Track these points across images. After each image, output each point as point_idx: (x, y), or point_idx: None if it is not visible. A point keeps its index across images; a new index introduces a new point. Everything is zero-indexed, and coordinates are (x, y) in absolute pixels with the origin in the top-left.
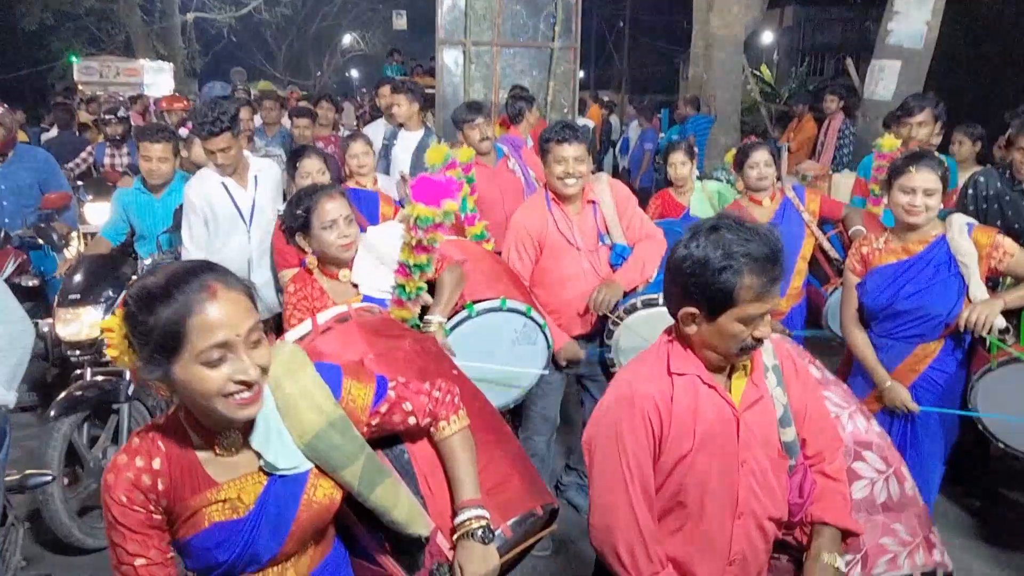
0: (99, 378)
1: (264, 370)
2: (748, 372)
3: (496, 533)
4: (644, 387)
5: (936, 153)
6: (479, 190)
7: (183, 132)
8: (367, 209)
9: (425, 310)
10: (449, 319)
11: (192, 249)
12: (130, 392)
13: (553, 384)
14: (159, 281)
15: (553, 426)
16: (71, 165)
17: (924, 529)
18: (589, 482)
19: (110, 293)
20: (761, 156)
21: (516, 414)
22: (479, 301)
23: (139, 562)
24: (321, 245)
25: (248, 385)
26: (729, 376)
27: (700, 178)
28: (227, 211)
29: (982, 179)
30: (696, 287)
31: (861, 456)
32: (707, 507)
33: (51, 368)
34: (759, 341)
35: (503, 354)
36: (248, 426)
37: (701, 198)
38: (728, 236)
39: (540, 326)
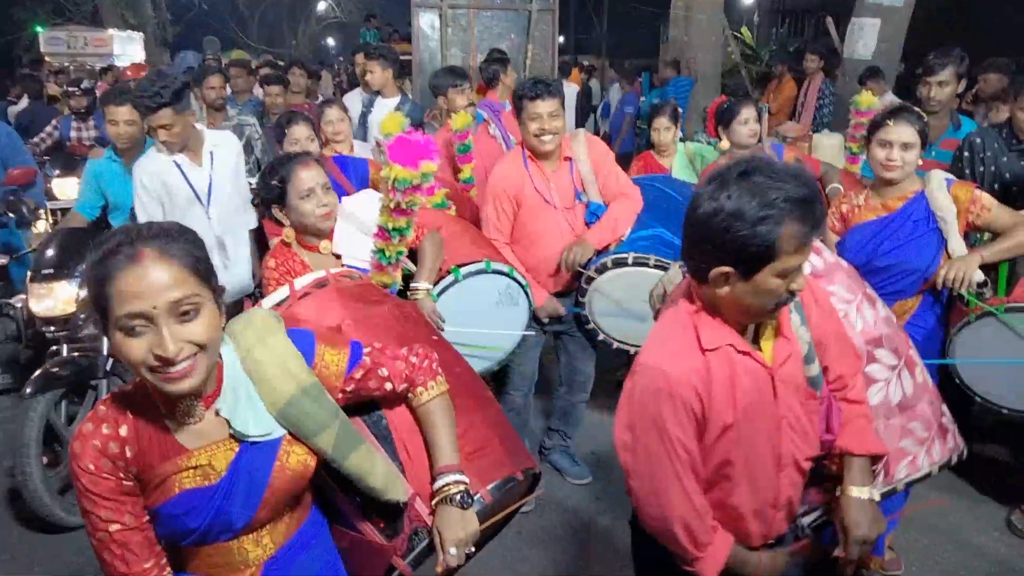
0: (75, 354)
1: (199, 345)
2: (777, 327)
3: (475, 498)
4: (680, 374)
5: (957, 114)
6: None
7: None
8: (357, 176)
9: (407, 278)
10: (435, 285)
11: None
12: (108, 367)
13: (531, 341)
14: (104, 243)
15: (531, 382)
16: (36, 140)
17: (937, 416)
18: (631, 475)
19: (84, 267)
20: (750, 112)
21: (496, 376)
22: (463, 265)
23: (113, 528)
24: (299, 216)
25: (168, 361)
26: (756, 332)
27: (681, 140)
28: (182, 191)
29: (979, 140)
30: (731, 244)
31: (873, 357)
32: (753, 468)
33: (25, 350)
34: (793, 294)
35: (487, 316)
36: (213, 394)
37: (683, 160)
38: (762, 180)
39: (523, 286)
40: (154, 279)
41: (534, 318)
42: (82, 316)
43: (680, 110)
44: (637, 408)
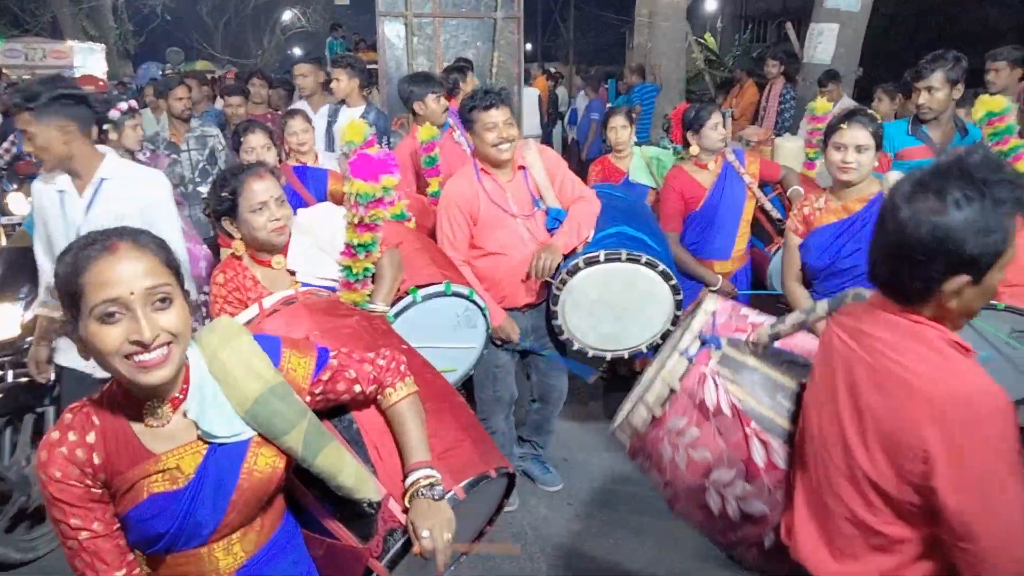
0: (21, 380)
1: (173, 334)
2: None
3: (449, 495)
4: (999, 390)
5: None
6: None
7: (114, 114)
8: (315, 187)
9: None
10: (392, 305)
11: (42, 258)
12: (55, 393)
13: (504, 366)
14: (76, 242)
15: (509, 404)
16: None
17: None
18: (981, 537)
19: (30, 288)
20: (718, 117)
21: (471, 396)
22: (422, 286)
23: (83, 536)
24: (250, 230)
25: (144, 346)
26: None
27: (638, 144)
28: (58, 225)
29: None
30: (971, 251)
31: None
32: None
33: None
34: None
35: (443, 338)
36: (179, 396)
37: (640, 163)
38: (984, 178)
39: (481, 309)
40: (129, 267)
41: (493, 340)
42: (27, 340)
43: (637, 114)
44: (977, 444)
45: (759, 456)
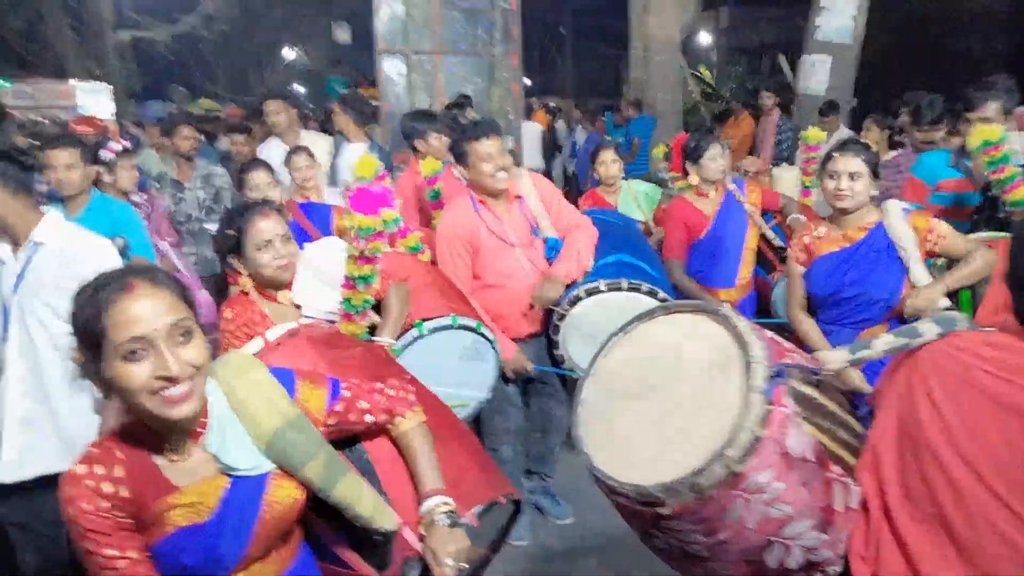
0: None
1: (196, 367)
2: None
3: (462, 520)
4: None
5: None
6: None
7: (107, 155)
8: (320, 222)
9: (373, 329)
10: (398, 339)
11: None
12: None
13: (511, 398)
14: (90, 283)
15: (516, 435)
16: None
17: None
18: None
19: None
20: (717, 148)
21: (479, 432)
22: (428, 319)
23: (121, 565)
24: (256, 267)
25: (171, 380)
26: None
27: (626, 178)
28: None
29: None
30: None
31: None
32: None
33: None
34: None
35: (452, 372)
36: (199, 430)
37: (628, 198)
38: None
39: (490, 342)
40: (150, 304)
41: (502, 375)
42: None
43: (619, 145)
44: None
45: (839, 502)
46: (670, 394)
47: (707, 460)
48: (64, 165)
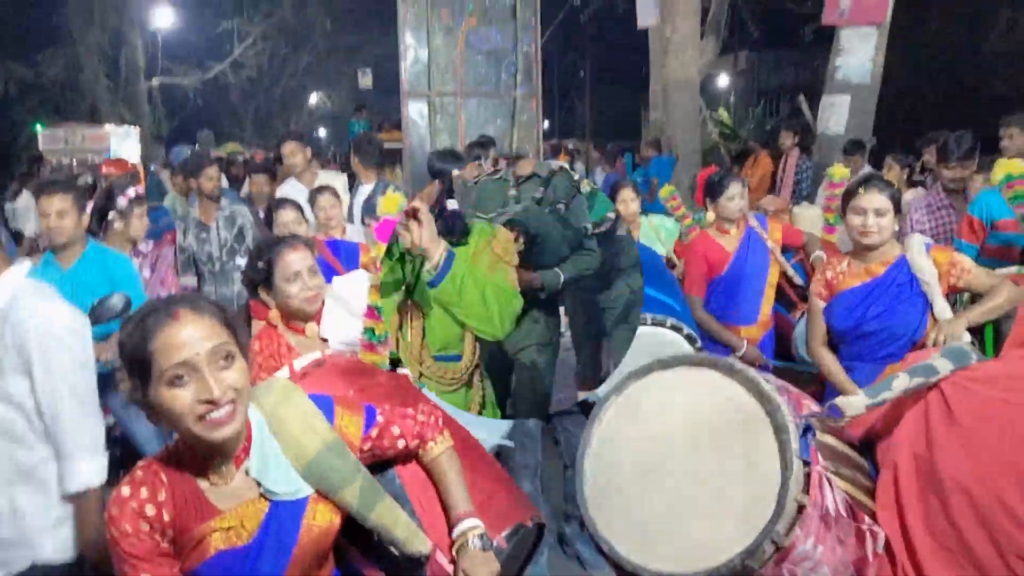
0: None
1: (237, 390)
2: None
3: (493, 544)
4: None
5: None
6: None
7: (122, 202)
8: (348, 259)
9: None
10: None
11: None
12: None
13: (530, 433)
14: (136, 313)
15: (536, 469)
16: (33, 235)
17: None
18: None
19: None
20: (737, 188)
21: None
22: None
23: None
24: (285, 298)
25: (214, 403)
26: None
27: (643, 213)
28: None
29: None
30: None
31: None
32: None
33: None
34: None
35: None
36: (241, 454)
37: (648, 231)
38: None
39: None
40: (194, 331)
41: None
42: None
43: (637, 184)
44: None
45: (871, 550)
46: (687, 465)
47: (757, 538)
48: (56, 212)
